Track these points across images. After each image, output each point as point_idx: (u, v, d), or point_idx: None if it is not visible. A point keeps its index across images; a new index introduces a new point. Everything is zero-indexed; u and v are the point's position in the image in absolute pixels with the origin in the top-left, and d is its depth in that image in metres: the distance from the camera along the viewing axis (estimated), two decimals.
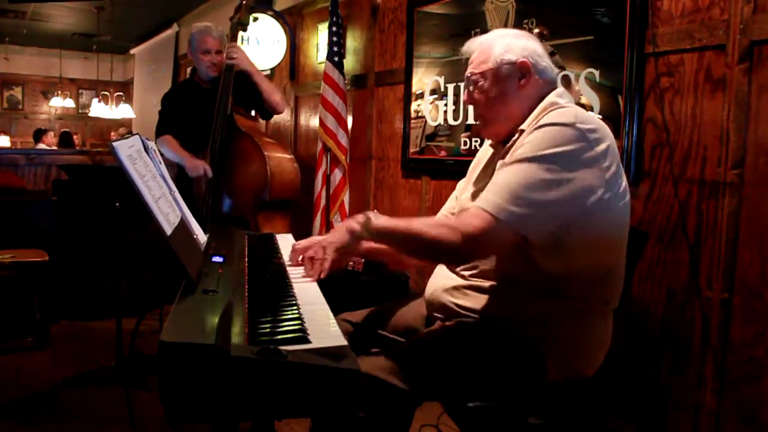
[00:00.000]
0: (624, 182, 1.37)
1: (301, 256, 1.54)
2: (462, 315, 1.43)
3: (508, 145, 1.44)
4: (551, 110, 1.35)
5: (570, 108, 1.35)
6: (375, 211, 1.44)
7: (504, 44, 1.44)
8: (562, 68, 2.36)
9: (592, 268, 1.36)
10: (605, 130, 1.34)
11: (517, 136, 1.41)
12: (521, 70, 1.42)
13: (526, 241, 1.29)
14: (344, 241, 1.45)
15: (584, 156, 1.28)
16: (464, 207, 1.53)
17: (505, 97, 1.44)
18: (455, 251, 1.32)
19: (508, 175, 1.29)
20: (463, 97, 1.51)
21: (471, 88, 1.49)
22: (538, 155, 1.28)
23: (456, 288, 1.45)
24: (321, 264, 1.46)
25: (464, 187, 1.66)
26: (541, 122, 1.32)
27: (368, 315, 1.68)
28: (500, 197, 1.27)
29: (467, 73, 1.50)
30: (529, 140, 1.31)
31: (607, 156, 1.31)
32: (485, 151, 1.62)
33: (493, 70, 1.43)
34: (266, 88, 3.08)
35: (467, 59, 1.52)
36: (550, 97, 1.42)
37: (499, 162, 1.40)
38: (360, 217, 1.42)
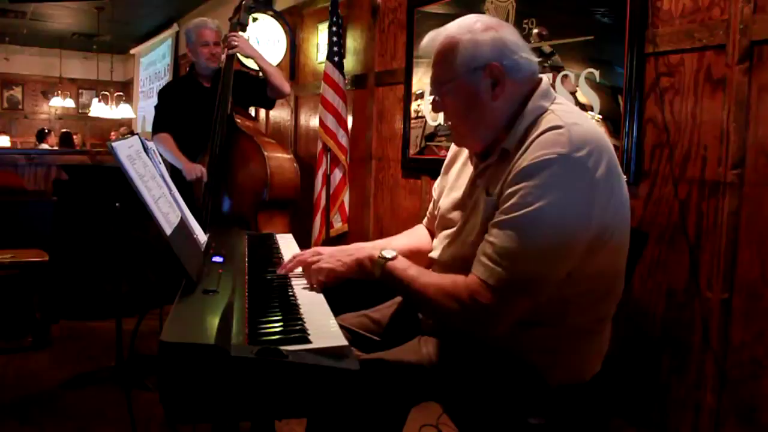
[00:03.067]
0: (625, 195, 1.25)
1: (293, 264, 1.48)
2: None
3: (488, 162, 1.31)
4: (541, 131, 1.18)
5: (563, 128, 1.16)
6: (389, 249, 1.33)
7: (469, 43, 1.24)
8: (560, 68, 2.36)
9: (592, 294, 1.27)
10: (602, 144, 1.18)
11: (498, 156, 1.27)
12: (492, 75, 1.24)
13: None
14: (349, 274, 1.34)
15: (584, 193, 1.14)
16: (445, 216, 1.45)
17: (478, 109, 1.27)
18: (464, 327, 1.26)
19: (508, 240, 1.15)
20: (429, 104, 1.36)
21: (437, 97, 1.32)
22: (534, 210, 1.13)
23: None
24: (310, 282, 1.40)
25: (439, 189, 1.56)
26: (532, 158, 1.15)
27: (391, 316, 1.61)
28: (503, 268, 1.15)
29: (431, 79, 1.33)
30: (523, 188, 1.15)
31: (609, 179, 1.17)
32: (457, 154, 1.52)
33: (461, 79, 1.26)
34: (271, 70, 3.13)
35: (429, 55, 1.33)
36: (534, 102, 1.25)
37: (486, 199, 1.27)
38: (375, 253, 1.31)
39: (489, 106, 1.26)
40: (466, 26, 1.28)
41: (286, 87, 3.17)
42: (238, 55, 3.18)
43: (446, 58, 1.27)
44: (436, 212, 1.55)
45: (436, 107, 1.35)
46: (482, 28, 1.26)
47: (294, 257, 1.50)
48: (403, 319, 1.58)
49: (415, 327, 1.50)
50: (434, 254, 1.47)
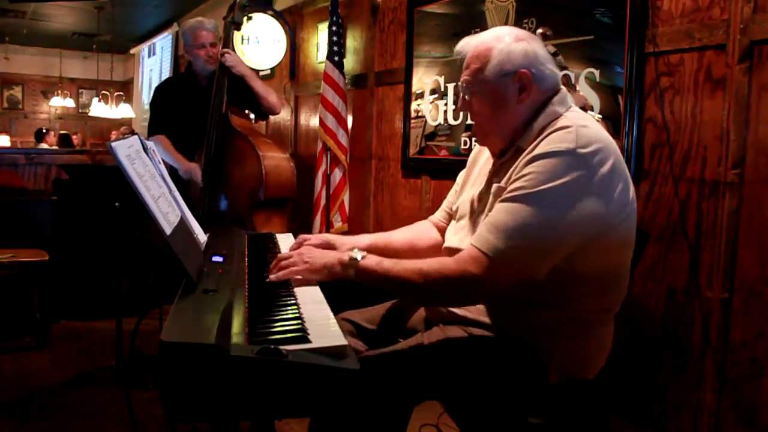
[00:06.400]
0: (632, 194, 1.30)
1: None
2: (461, 322, 1.41)
3: (504, 158, 1.39)
4: (552, 130, 1.28)
5: (571, 128, 1.25)
6: (357, 250, 1.36)
7: (503, 51, 1.34)
8: (564, 68, 2.36)
9: (595, 281, 1.31)
10: (609, 146, 1.26)
11: (513, 152, 1.36)
12: (521, 81, 1.33)
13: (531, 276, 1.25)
14: (319, 277, 1.37)
15: (586, 185, 1.21)
16: (463, 207, 1.51)
17: (503, 110, 1.36)
18: (456, 299, 1.32)
19: (506, 215, 1.23)
20: (457, 102, 1.45)
21: (466, 96, 1.41)
22: (535, 192, 1.21)
23: None
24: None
25: (462, 181, 1.63)
26: (541, 150, 1.25)
27: (382, 318, 1.63)
28: (498, 238, 1.22)
29: (462, 79, 1.41)
30: (528, 173, 1.24)
31: (613, 177, 1.24)
32: (481, 150, 1.58)
33: (491, 82, 1.35)
34: (261, 91, 3.07)
35: (462, 59, 1.42)
36: (552, 106, 1.34)
37: (495, 185, 1.35)
38: (345, 257, 1.34)
39: (513, 109, 1.35)
40: (501, 35, 1.37)
41: (277, 107, 3.13)
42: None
43: (480, 61, 1.36)
44: (453, 204, 1.62)
45: (463, 106, 1.43)
46: (515, 39, 1.36)
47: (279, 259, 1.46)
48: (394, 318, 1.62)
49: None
50: (448, 243, 1.52)
